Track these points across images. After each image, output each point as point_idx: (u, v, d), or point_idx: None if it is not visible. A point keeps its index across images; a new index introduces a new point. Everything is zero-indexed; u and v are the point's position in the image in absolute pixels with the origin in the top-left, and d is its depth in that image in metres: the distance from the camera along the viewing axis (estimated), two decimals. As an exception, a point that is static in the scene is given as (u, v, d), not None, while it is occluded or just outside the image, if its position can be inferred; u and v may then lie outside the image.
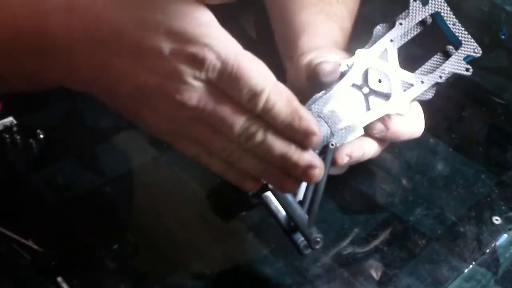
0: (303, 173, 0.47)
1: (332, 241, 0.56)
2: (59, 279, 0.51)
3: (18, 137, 0.61)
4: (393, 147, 0.63)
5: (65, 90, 0.66)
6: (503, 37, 0.76)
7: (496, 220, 0.58)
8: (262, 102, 0.44)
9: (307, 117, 0.45)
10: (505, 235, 0.57)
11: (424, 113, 0.66)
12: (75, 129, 0.63)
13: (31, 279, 0.51)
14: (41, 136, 0.61)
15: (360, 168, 0.61)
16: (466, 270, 0.54)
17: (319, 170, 0.47)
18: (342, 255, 0.54)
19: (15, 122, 0.62)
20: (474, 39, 0.76)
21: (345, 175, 0.61)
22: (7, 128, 0.62)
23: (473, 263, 0.55)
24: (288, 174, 0.47)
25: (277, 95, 0.44)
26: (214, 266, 0.53)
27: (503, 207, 0.59)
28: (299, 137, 0.46)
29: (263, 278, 0.53)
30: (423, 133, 0.64)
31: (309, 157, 0.47)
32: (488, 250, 0.56)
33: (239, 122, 0.45)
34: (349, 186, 0.60)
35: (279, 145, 0.46)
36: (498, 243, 0.57)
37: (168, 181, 0.59)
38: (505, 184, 0.61)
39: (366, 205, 0.58)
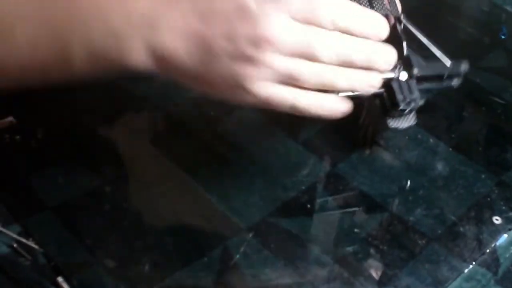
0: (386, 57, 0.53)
1: (332, 241, 0.56)
2: (59, 279, 0.51)
3: (18, 137, 0.61)
4: (393, 147, 0.63)
5: (65, 90, 0.66)
6: (503, 37, 0.76)
7: (496, 220, 0.58)
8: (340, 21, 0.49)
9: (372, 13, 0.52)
10: (505, 235, 0.57)
11: (424, 113, 0.66)
12: (75, 129, 0.63)
13: (31, 279, 0.51)
14: (41, 136, 0.61)
15: (360, 168, 0.61)
16: (466, 270, 0.54)
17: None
18: (342, 255, 0.54)
19: (15, 121, 0.62)
20: (474, 39, 0.76)
21: (346, 174, 0.61)
22: (7, 128, 0.62)
23: (473, 263, 0.55)
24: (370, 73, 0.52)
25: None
26: (214, 266, 0.53)
27: (503, 207, 0.59)
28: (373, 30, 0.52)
29: (263, 278, 0.53)
30: (423, 133, 0.65)
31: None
32: (488, 250, 0.56)
33: (326, 43, 0.49)
34: (349, 186, 0.60)
35: (361, 45, 0.51)
36: (498, 243, 0.57)
37: (168, 181, 0.59)
38: (505, 184, 0.61)
39: (366, 205, 0.58)
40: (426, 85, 0.59)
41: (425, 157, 0.63)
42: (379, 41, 0.53)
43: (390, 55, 0.54)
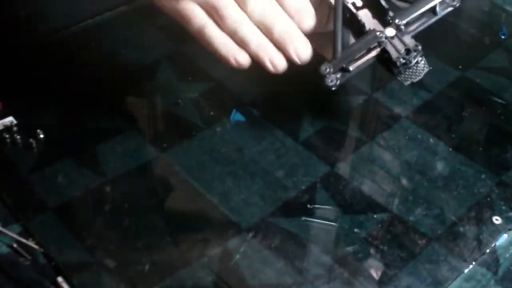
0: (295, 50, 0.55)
1: (332, 241, 0.56)
2: (59, 279, 0.51)
3: (18, 137, 0.61)
4: (393, 147, 0.63)
5: (66, 90, 0.66)
6: (503, 37, 0.76)
7: (496, 220, 0.58)
8: None
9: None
10: (505, 235, 0.57)
11: (424, 113, 0.66)
12: (75, 129, 0.63)
13: (31, 279, 0.51)
14: (41, 136, 0.61)
15: (360, 168, 0.61)
16: (466, 270, 0.54)
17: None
18: (342, 255, 0.54)
19: (15, 121, 0.62)
20: (474, 38, 0.76)
21: (346, 174, 0.61)
22: (7, 128, 0.62)
23: (473, 263, 0.55)
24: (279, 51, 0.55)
25: None
26: (214, 266, 0.53)
27: (503, 207, 0.59)
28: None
29: (263, 278, 0.53)
30: (423, 133, 0.65)
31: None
32: (488, 250, 0.56)
33: None
34: (349, 186, 0.60)
35: (283, 20, 0.54)
36: (498, 243, 0.57)
37: (168, 181, 0.59)
38: (505, 184, 0.61)
39: (366, 205, 0.58)
40: (422, 26, 0.59)
41: (425, 157, 0.63)
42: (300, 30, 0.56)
43: (305, 47, 0.56)
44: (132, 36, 0.73)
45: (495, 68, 0.72)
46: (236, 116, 0.65)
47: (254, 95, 0.67)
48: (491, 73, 0.72)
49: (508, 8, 0.80)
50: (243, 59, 0.56)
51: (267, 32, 0.55)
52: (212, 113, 0.65)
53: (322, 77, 0.58)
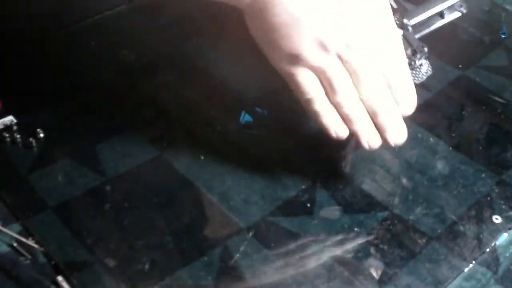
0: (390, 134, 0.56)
1: (332, 240, 0.56)
2: (59, 278, 0.51)
3: (18, 136, 0.61)
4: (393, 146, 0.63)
5: (66, 90, 0.66)
6: (503, 36, 0.76)
7: (496, 219, 0.58)
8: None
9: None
10: (505, 234, 0.57)
11: (424, 112, 0.66)
12: (75, 128, 0.63)
13: (31, 278, 0.51)
14: (41, 135, 0.61)
15: (360, 167, 0.61)
16: (466, 269, 0.54)
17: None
18: (342, 254, 0.54)
19: (15, 121, 0.62)
20: (474, 38, 0.76)
21: (346, 174, 0.61)
22: (7, 127, 0.62)
23: (473, 262, 0.55)
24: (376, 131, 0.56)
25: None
26: (214, 265, 0.53)
27: (503, 206, 0.59)
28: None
29: (263, 277, 0.53)
30: (423, 132, 0.65)
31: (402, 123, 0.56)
32: (488, 249, 0.56)
33: (373, 75, 0.54)
34: (349, 185, 0.60)
35: (389, 105, 0.56)
36: (498, 242, 0.57)
37: (168, 181, 0.59)
38: (505, 183, 0.61)
39: (366, 204, 0.58)
40: (428, 29, 0.60)
41: (425, 156, 0.63)
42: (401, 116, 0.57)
43: (403, 134, 0.57)
44: (132, 36, 0.73)
45: (495, 67, 0.72)
46: (246, 117, 0.65)
47: (254, 94, 0.67)
48: (491, 72, 0.72)
49: (508, 7, 0.80)
50: (343, 134, 0.57)
51: (372, 113, 0.56)
52: (212, 112, 0.65)
53: None
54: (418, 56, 0.59)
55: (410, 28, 0.59)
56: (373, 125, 0.56)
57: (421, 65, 0.60)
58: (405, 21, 0.59)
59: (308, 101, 0.56)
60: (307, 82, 0.55)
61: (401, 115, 0.57)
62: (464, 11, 0.61)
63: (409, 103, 0.57)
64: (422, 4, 0.60)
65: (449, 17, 0.62)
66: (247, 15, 0.56)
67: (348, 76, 0.55)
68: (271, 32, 0.54)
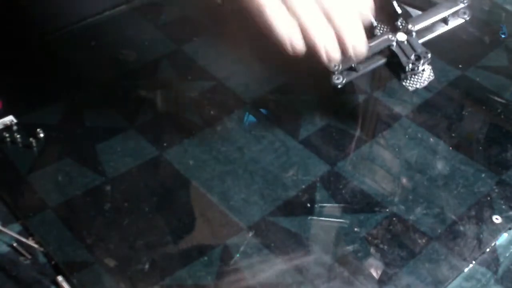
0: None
1: (332, 240, 0.56)
2: (59, 278, 0.51)
3: (18, 136, 0.61)
4: (393, 146, 0.63)
5: (66, 90, 0.66)
6: (503, 36, 0.76)
7: (496, 219, 0.58)
8: None
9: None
10: (505, 234, 0.57)
11: (424, 112, 0.66)
12: (75, 128, 0.63)
13: (31, 278, 0.51)
14: (41, 135, 0.61)
15: (360, 167, 0.61)
16: (466, 269, 0.54)
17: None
18: (342, 254, 0.54)
19: (15, 121, 0.62)
20: (474, 38, 0.76)
21: (346, 173, 0.61)
22: (7, 127, 0.62)
23: (473, 262, 0.55)
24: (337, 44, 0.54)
25: None
26: (214, 265, 0.53)
27: (503, 206, 0.59)
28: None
29: (263, 277, 0.53)
30: (423, 132, 0.65)
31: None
32: (488, 249, 0.56)
33: None
34: (349, 185, 0.60)
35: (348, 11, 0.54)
36: (498, 242, 0.57)
37: (168, 181, 0.59)
38: (505, 183, 0.61)
39: (366, 204, 0.58)
40: (432, 34, 0.60)
41: (425, 156, 0.63)
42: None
43: (363, 43, 0.55)
44: (132, 36, 0.73)
45: (495, 67, 0.72)
46: (250, 118, 0.65)
47: (254, 94, 0.67)
48: (491, 72, 0.72)
49: (508, 7, 0.80)
50: (299, 47, 0.54)
51: (329, 21, 0.54)
52: (212, 112, 0.65)
53: (330, 74, 0.58)
54: (422, 61, 0.59)
55: (414, 34, 0.59)
56: (331, 36, 0.54)
57: (423, 70, 0.60)
58: (409, 26, 0.59)
59: (263, 9, 0.53)
60: None
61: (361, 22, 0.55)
62: (468, 18, 0.62)
63: (366, 7, 0.56)
64: (427, 10, 0.61)
65: (453, 24, 0.62)
66: None
67: None
68: None
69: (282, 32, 0.54)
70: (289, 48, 0.54)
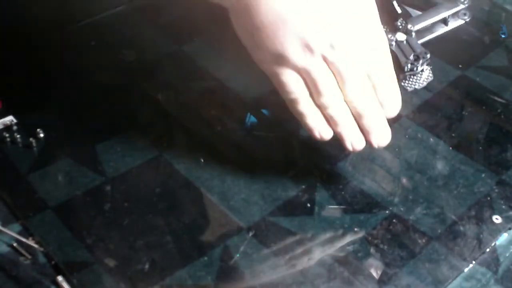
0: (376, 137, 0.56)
1: (332, 240, 0.56)
2: (59, 278, 0.51)
3: (18, 136, 0.61)
4: (393, 146, 0.63)
5: (66, 90, 0.66)
6: (503, 36, 0.76)
7: (496, 219, 0.58)
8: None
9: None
10: (505, 234, 0.57)
11: (424, 112, 0.66)
12: (75, 128, 0.63)
13: (31, 278, 0.51)
14: (41, 135, 0.61)
15: (360, 167, 0.61)
16: (466, 269, 0.54)
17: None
18: (342, 254, 0.54)
19: (15, 121, 0.62)
20: (474, 38, 0.76)
21: (346, 173, 0.61)
22: (7, 127, 0.62)
23: (473, 262, 0.55)
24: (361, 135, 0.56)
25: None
26: (214, 265, 0.53)
27: (503, 206, 0.59)
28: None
29: (263, 277, 0.53)
30: (423, 132, 0.64)
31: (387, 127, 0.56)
32: (488, 249, 0.56)
33: (358, 77, 0.53)
34: (349, 185, 0.60)
35: (373, 107, 0.55)
36: (498, 242, 0.57)
37: (168, 181, 0.59)
38: (505, 183, 0.61)
39: (366, 204, 0.58)
40: (432, 35, 0.60)
41: (425, 156, 0.63)
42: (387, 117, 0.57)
43: (386, 137, 0.57)
44: (132, 36, 0.73)
45: (495, 67, 0.72)
46: (251, 118, 0.65)
47: (254, 94, 0.67)
48: (491, 72, 0.72)
49: (508, 7, 0.80)
50: (327, 136, 0.57)
51: (356, 115, 0.55)
52: (212, 112, 0.65)
53: None
54: (421, 62, 0.59)
55: (413, 34, 0.59)
56: (357, 127, 0.56)
57: (422, 70, 0.60)
58: (409, 26, 0.60)
59: (293, 102, 0.56)
60: (292, 83, 0.55)
61: (386, 116, 0.56)
62: (468, 19, 0.62)
63: (394, 104, 0.57)
64: (427, 11, 0.61)
65: (453, 25, 0.62)
66: (232, 13, 0.56)
67: (333, 78, 0.54)
68: (255, 31, 0.54)
69: (311, 124, 0.56)
70: (318, 136, 0.56)
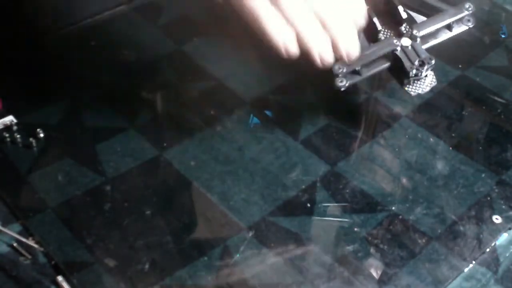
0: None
1: (332, 240, 0.56)
2: (59, 278, 0.51)
3: (18, 136, 0.61)
4: (393, 146, 0.63)
5: (66, 90, 0.66)
6: (503, 36, 0.76)
7: (496, 219, 0.58)
8: None
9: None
10: (505, 234, 0.57)
11: (424, 112, 0.66)
12: (75, 128, 0.63)
13: (31, 278, 0.51)
14: (41, 135, 0.61)
15: (360, 167, 0.61)
16: (466, 269, 0.54)
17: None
18: (342, 254, 0.54)
19: (15, 121, 0.62)
20: (474, 38, 0.76)
21: (346, 173, 0.61)
22: (7, 127, 0.62)
23: (473, 262, 0.55)
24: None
25: None
26: (214, 265, 0.53)
27: (503, 206, 0.59)
28: None
29: (263, 277, 0.53)
30: (423, 132, 0.65)
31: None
32: (488, 249, 0.56)
33: None
34: (349, 185, 0.60)
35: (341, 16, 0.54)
36: (498, 242, 0.57)
37: (168, 181, 0.59)
38: (505, 183, 0.61)
39: (366, 204, 0.58)
40: (436, 41, 0.60)
41: (425, 156, 0.63)
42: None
43: (356, 47, 0.55)
44: (132, 36, 0.73)
45: (495, 67, 0.72)
46: (254, 120, 0.65)
47: (254, 94, 0.67)
48: (491, 72, 0.72)
49: (508, 7, 0.80)
50: (293, 50, 0.54)
51: (323, 25, 0.54)
52: (212, 112, 0.65)
53: (334, 76, 0.58)
54: (426, 67, 0.59)
55: (418, 39, 0.60)
56: (325, 38, 0.54)
57: (426, 76, 0.61)
58: (414, 31, 0.60)
59: (255, 12, 0.53)
60: None
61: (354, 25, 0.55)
62: (471, 25, 0.62)
63: (359, 12, 0.56)
64: (432, 17, 0.61)
65: (457, 30, 0.62)
66: None
67: None
68: None
69: (276, 37, 0.54)
70: (283, 51, 0.54)
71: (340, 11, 0.54)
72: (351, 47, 0.56)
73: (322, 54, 0.55)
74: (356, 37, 0.56)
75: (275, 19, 0.54)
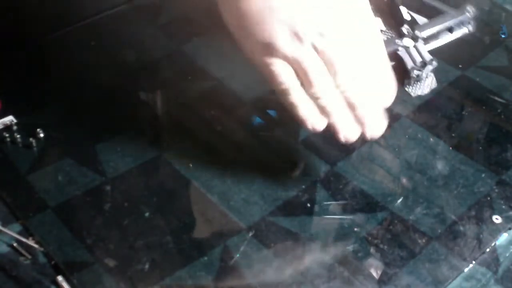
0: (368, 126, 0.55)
1: (332, 240, 0.56)
2: (59, 278, 0.51)
3: (18, 136, 0.61)
4: (393, 146, 0.63)
5: (65, 90, 0.66)
6: (503, 36, 0.76)
7: (496, 219, 0.58)
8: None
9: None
10: (505, 234, 0.57)
11: (424, 112, 0.66)
12: (75, 128, 0.63)
13: (31, 278, 0.51)
14: (41, 135, 0.61)
15: (360, 167, 0.61)
16: (466, 269, 0.54)
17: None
18: (342, 254, 0.54)
19: (15, 121, 0.62)
20: (474, 38, 0.76)
21: (346, 173, 0.61)
22: (7, 127, 0.62)
23: (473, 262, 0.55)
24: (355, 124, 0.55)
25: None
26: (214, 265, 0.53)
27: (503, 206, 0.59)
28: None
29: (263, 277, 0.53)
30: (423, 132, 0.65)
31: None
32: (488, 249, 0.56)
33: (349, 66, 0.52)
34: (349, 185, 0.60)
35: (367, 97, 0.54)
36: (498, 242, 0.57)
37: (168, 181, 0.59)
38: (505, 183, 0.61)
39: (366, 204, 0.58)
40: (437, 42, 0.60)
41: (425, 156, 0.63)
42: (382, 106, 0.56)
43: (381, 127, 0.56)
44: (132, 36, 0.73)
45: (495, 67, 0.72)
46: (257, 119, 0.65)
47: (254, 94, 0.67)
48: (491, 72, 0.72)
49: (508, 7, 0.80)
50: (320, 127, 0.55)
51: (349, 105, 0.54)
52: (212, 112, 0.65)
53: None
54: (427, 69, 0.59)
55: (421, 40, 0.60)
56: (351, 117, 0.55)
57: (426, 77, 0.61)
58: (416, 33, 0.60)
59: (284, 92, 0.54)
60: (282, 73, 0.53)
61: (382, 106, 0.55)
62: (472, 29, 0.62)
63: (389, 94, 0.56)
64: (433, 18, 0.61)
65: (458, 33, 0.62)
66: (220, 2, 0.54)
67: (324, 67, 0.53)
68: (243, 19, 0.52)
69: (304, 115, 0.55)
70: (310, 128, 0.55)
71: (368, 92, 0.54)
72: (376, 131, 0.56)
73: (347, 135, 0.55)
74: (383, 119, 0.56)
75: (304, 95, 0.54)
